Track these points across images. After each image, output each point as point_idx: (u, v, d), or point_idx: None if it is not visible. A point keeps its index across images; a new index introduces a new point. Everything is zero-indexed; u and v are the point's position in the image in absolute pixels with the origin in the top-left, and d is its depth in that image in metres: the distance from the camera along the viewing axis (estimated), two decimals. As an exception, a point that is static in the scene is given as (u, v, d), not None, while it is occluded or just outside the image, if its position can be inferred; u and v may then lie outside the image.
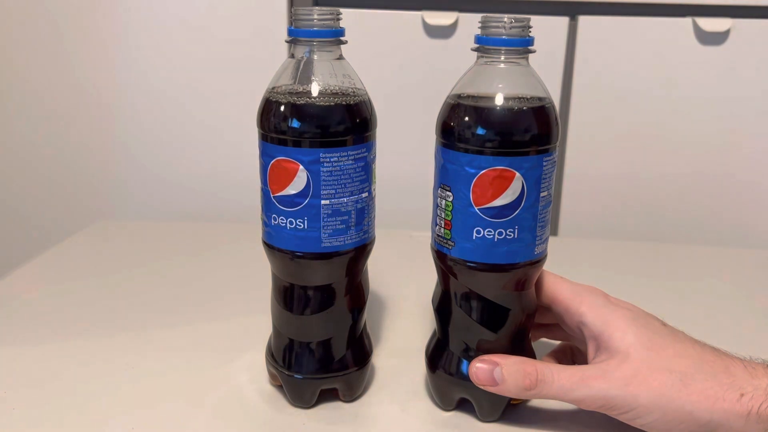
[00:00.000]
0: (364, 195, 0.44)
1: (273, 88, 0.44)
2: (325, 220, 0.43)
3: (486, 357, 0.44)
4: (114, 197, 0.94)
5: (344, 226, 0.44)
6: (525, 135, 0.41)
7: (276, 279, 0.47)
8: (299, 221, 0.43)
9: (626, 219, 0.88)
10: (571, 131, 0.85)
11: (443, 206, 0.43)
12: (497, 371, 0.43)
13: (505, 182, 0.41)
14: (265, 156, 0.43)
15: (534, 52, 0.42)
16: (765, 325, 0.61)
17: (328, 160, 0.42)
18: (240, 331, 0.57)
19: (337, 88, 0.43)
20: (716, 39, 0.81)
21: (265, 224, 0.45)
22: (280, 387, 0.48)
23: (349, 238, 0.44)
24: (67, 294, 0.64)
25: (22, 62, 0.89)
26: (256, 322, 0.53)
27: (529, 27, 0.41)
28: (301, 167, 0.42)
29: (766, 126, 0.84)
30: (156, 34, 0.86)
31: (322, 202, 0.43)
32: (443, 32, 0.83)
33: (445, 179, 0.43)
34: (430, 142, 0.45)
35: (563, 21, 0.82)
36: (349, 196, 0.43)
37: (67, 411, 0.46)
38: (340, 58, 0.44)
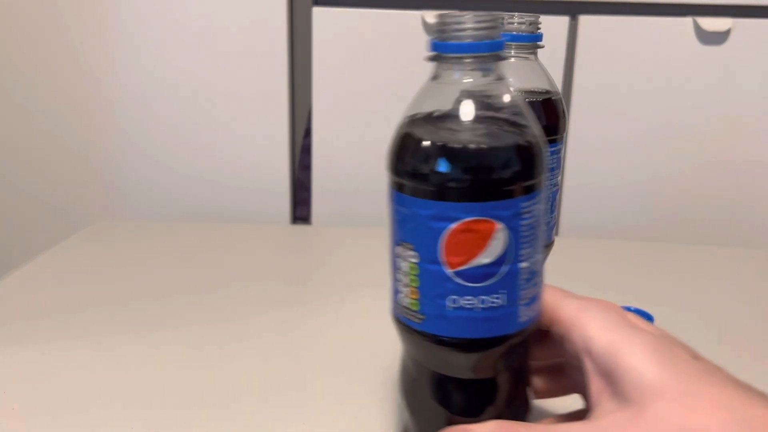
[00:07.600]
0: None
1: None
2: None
3: (457, 428, 0.34)
4: (114, 197, 0.94)
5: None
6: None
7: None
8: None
9: (626, 218, 0.88)
10: (572, 130, 0.85)
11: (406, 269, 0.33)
12: None
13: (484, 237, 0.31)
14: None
15: (506, 58, 0.37)
16: (766, 325, 0.61)
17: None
18: (240, 331, 0.57)
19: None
20: (716, 39, 0.81)
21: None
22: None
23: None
24: (66, 294, 0.64)
25: (22, 61, 0.89)
26: (256, 322, 0.53)
27: (501, 26, 0.32)
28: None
29: (767, 126, 0.84)
30: (156, 34, 0.86)
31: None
32: (443, 32, 0.83)
33: (404, 231, 0.33)
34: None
35: (564, 21, 0.82)
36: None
37: (66, 410, 0.46)
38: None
